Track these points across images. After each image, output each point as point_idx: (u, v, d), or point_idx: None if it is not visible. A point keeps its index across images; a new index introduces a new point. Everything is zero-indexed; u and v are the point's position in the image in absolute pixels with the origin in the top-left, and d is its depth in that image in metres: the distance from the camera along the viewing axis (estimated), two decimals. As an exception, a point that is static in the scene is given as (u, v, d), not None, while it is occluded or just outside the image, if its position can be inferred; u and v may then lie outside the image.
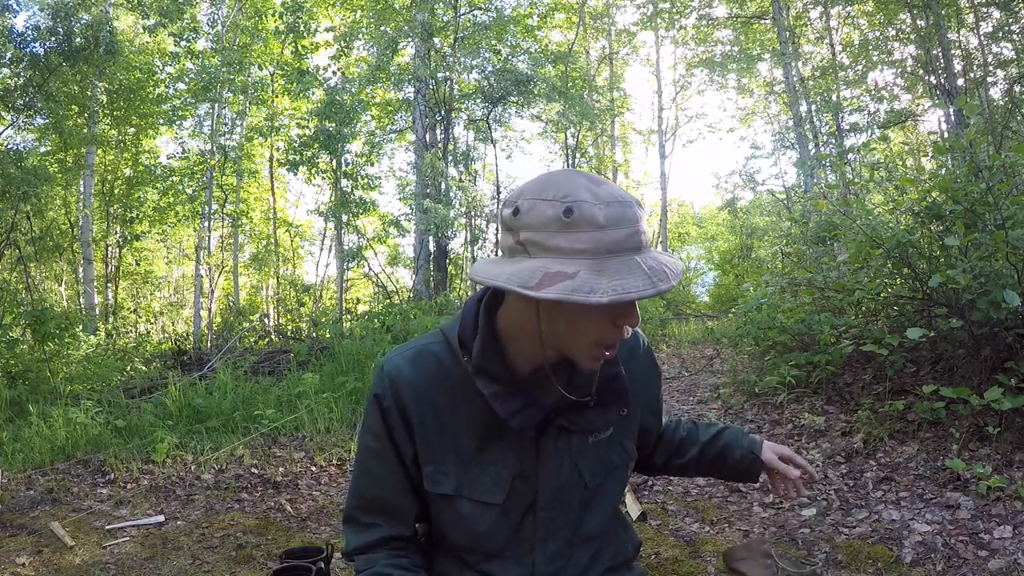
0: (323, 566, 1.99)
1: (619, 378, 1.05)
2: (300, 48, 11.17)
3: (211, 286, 14.15)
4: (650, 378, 1.21)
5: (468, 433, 1.03)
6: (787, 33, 11.80)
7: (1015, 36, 8.85)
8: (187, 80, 12.40)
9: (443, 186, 10.46)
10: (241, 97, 13.09)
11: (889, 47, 11.38)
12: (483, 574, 1.08)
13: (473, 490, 1.04)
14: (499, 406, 0.98)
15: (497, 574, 1.07)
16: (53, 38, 7.90)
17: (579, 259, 0.83)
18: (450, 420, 1.03)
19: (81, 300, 11.84)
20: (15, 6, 8.14)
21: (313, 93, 11.04)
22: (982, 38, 9.59)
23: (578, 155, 15.68)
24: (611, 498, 1.13)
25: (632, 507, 3.10)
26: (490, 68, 11.54)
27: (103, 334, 9.68)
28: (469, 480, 1.04)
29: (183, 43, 11.42)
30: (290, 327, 11.83)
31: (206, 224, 13.32)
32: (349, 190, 10.30)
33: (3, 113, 8.63)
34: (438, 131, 11.36)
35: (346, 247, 11.88)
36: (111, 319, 12.35)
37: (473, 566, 1.08)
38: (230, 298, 14.90)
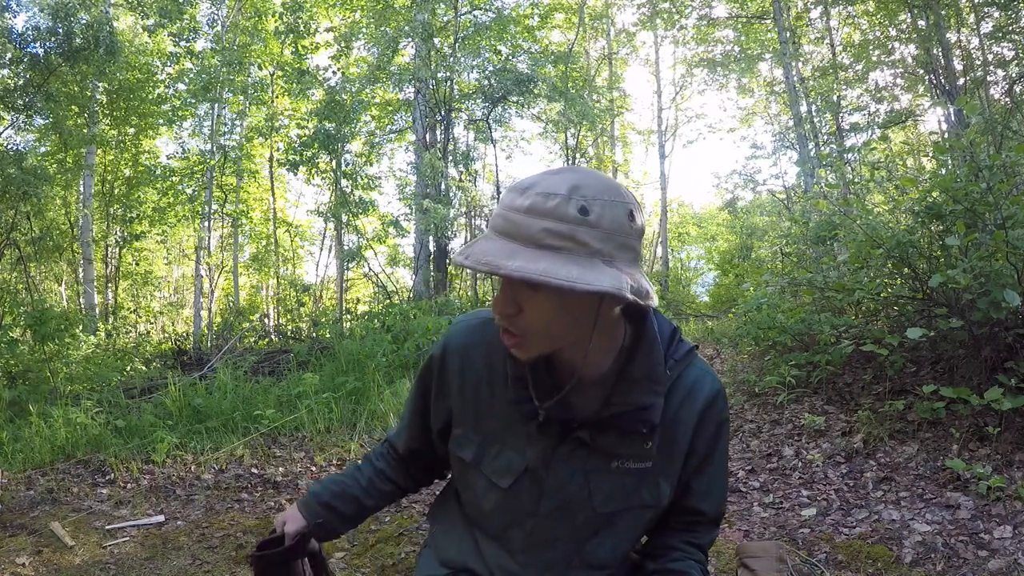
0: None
1: (651, 409, 0.96)
2: (300, 48, 11.17)
3: (211, 286, 14.15)
4: (703, 433, 1.03)
5: (499, 411, 1.05)
6: (787, 33, 11.79)
7: (1015, 36, 8.84)
8: (187, 80, 12.39)
9: (443, 186, 10.47)
10: (241, 97, 13.09)
11: (889, 47, 11.37)
12: (478, 550, 1.10)
13: (488, 466, 1.06)
14: (514, 389, 1.00)
15: (488, 556, 1.09)
16: (53, 38, 7.89)
17: None
18: (488, 393, 1.06)
19: (81, 300, 11.84)
20: (15, 6, 8.14)
21: (313, 93, 11.04)
22: (982, 38, 9.59)
23: (578, 155, 15.67)
24: (627, 534, 1.06)
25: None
26: (490, 68, 11.54)
27: (103, 334, 9.66)
28: (488, 455, 1.06)
29: (183, 43, 11.42)
30: (290, 327, 11.82)
31: (206, 224, 13.32)
32: (349, 190, 10.30)
33: (3, 113, 8.63)
34: (438, 131, 11.36)
35: (346, 247, 11.89)
36: (111, 319, 12.34)
37: (474, 538, 1.12)
38: (230, 298, 14.91)
